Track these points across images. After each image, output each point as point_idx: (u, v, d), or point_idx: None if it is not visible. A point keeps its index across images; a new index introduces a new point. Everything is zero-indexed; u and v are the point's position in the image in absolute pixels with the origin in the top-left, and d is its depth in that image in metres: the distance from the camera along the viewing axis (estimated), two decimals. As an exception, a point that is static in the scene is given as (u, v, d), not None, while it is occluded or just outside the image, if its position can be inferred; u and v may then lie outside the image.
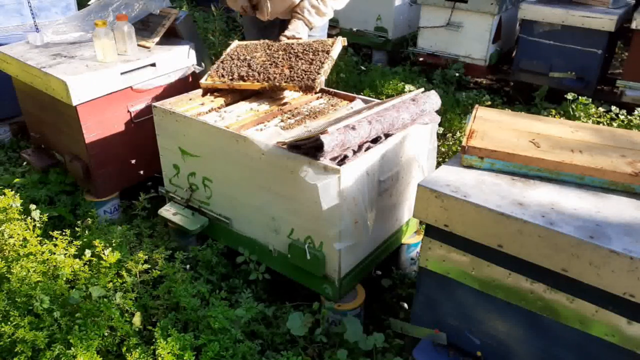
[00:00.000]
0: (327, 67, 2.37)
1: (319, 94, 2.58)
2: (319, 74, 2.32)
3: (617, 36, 4.26)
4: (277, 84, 2.37)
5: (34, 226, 2.21)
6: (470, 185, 1.60)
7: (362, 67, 4.82)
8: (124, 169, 2.80)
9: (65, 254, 2.07)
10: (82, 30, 2.92)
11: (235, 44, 2.74)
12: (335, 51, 2.46)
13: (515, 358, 1.66)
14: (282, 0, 2.74)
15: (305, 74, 2.35)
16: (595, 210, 1.49)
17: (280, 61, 2.48)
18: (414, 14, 5.06)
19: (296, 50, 2.52)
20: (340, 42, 2.50)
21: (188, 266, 2.25)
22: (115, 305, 1.86)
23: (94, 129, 2.61)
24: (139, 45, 2.80)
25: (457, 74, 4.59)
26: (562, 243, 1.39)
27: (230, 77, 2.48)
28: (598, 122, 3.45)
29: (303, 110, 2.39)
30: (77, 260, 2.06)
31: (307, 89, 2.32)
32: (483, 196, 1.54)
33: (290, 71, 2.40)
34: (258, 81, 2.41)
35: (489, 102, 4.08)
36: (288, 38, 2.69)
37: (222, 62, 2.60)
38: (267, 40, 2.70)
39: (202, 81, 2.53)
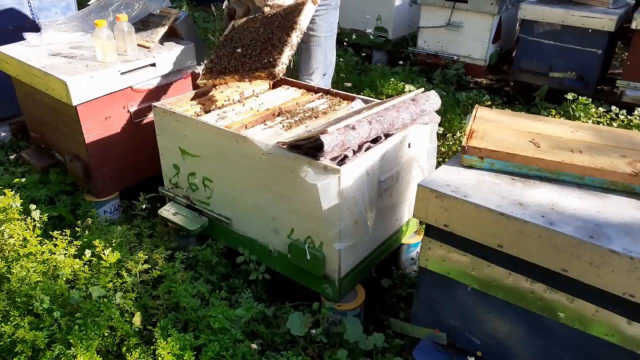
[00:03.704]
0: (289, 50, 2.20)
1: (320, 94, 2.58)
2: (278, 60, 2.17)
3: (617, 36, 4.26)
4: (245, 77, 2.28)
5: (34, 226, 2.21)
6: (470, 185, 1.60)
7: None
8: (124, 169, 2.80)
9: (65, 254, 2.07)
10: (82, 30, 2.92)
11: (230, 26, 2.64)
12: (304, 20, 2.27)
13: (516, 358, 1.66)
14: None
15: (268, 61, 2.21)
16: (595, 210, 1.49)
17: (257, 42, 2.35)
18: (414, 14, 5.06)
19: (272, 25, 2.36)
20: (310, 4, 2.32)
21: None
22: (115, 305, 1.86)
23: (94, 129, 2.61)
24: (139, 45, 2.79)
25: (456, 74, 4.59)
26: (562, 243, 1.39)
27: (217, 72, 2.40)
28: (598, 122, 3.45)
29: (303, 110, 2.39)
30: (77, 260, 2.06)
31: (269, 77, 2.20)
32: (483, 196, 1.54)
33: (258, 57, 2.27)
34: (231, 74, 2.33)
35: (489, 102, 4.08)
36: (270, 7, 2.50)
37: (215, 52, 2.52)
38: (255, 16, 2.55)
39: (199, 81, 2.50)
